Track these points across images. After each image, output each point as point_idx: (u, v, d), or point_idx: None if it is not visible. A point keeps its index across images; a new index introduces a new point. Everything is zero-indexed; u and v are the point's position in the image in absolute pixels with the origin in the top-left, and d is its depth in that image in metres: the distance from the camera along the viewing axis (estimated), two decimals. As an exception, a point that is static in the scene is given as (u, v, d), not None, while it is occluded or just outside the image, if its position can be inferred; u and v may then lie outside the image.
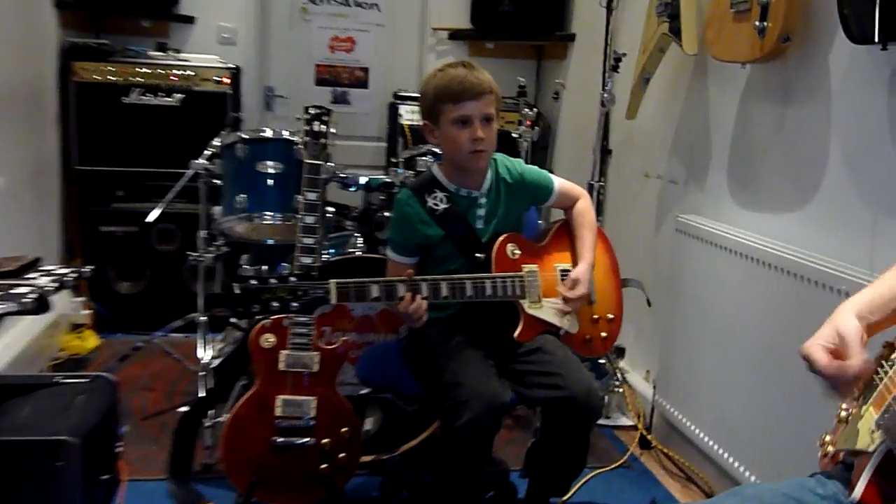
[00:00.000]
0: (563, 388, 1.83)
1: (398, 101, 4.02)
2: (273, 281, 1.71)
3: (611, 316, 2.12)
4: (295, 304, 1.74)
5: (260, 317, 1.87)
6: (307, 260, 2.03)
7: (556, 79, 3.94)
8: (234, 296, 1.69)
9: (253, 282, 1.70)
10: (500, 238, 1.98)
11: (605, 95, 2.95)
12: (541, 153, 4.15)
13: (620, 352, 3.06)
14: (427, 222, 1.97)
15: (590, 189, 2.99)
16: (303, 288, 1.74)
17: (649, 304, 2.84)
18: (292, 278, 1.73)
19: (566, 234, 2.14)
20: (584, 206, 2.14)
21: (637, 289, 2.83)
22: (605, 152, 3.42)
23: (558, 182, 2.12)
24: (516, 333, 1.92)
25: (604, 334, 2.09)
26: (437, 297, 1.84)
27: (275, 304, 1.71)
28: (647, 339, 3.11)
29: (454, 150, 1.93)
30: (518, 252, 1.99)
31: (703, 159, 2.74)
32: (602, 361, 2.98)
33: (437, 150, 2.70)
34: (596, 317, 2.10)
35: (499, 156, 2.07)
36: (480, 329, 1.99)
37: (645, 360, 3.14)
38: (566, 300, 1.98)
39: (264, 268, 1.71)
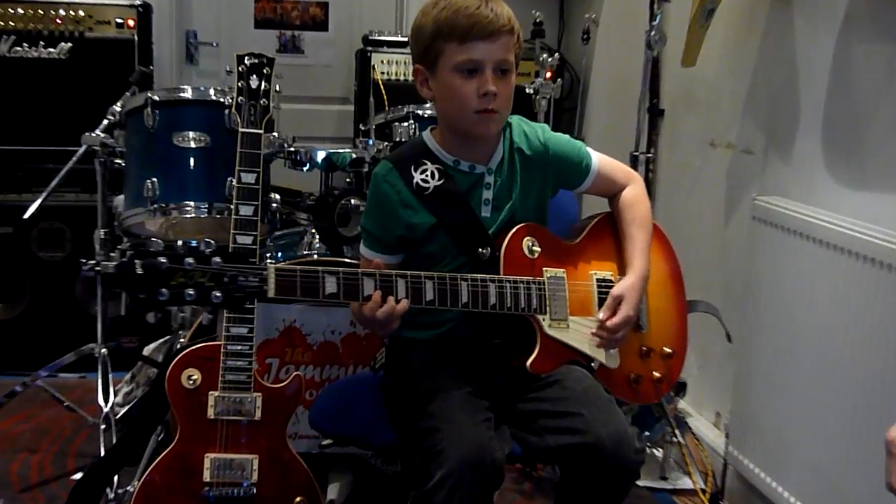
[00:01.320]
0: (582, 432, 1.82)
1: (369, 49, 4.02)
2: (190, 260, 1.68)
3: (668, 350, 2.10)
4: (218, 295, 1.70)
5: (169, 308, 1.81)
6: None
7: (586, 13, 3.93)
8: (134, 276, 1.66)
9: (162, 259, 1.67)
10: (515, 229, 1.96)
11: (653, 34, 2.95)
12: (566, 116, 4.18)
13: (680, 387, 3.06)
14: (413, 206, 1.96)
15: (633, 163, 2.98)
16: (230, 272, 1.71)
17: (729, 338, 2.82)
18: (217, 258, 1.70)
19: (609, 232, 2.12)
20: (636, 194, 2.13)
21: (709, 314, 2.82)
22: (654, 113, 3.43)
23: (598, 158, 2.11)
24: (529, 361, 1.91)
25: (657, 374, 2.07)
26: (418, 300, 1.83)
27: (190, 291, 1.68)
28: (716, 369, 3.10)
29: (455, 107, 1.93)
30: (538, 250, 1.97)
31: (789, 120, 2.74)
32: (654, 401, 2.98)
33: (421, 114, 2.71)
34: (647, 349, 2.08)
35: (515, 118, 2.07)
36: (479, 355, 1.99)
37: (714, 397, 3.13)
38: (603, 326, 1.97)
39: (179, 243, 1.68)
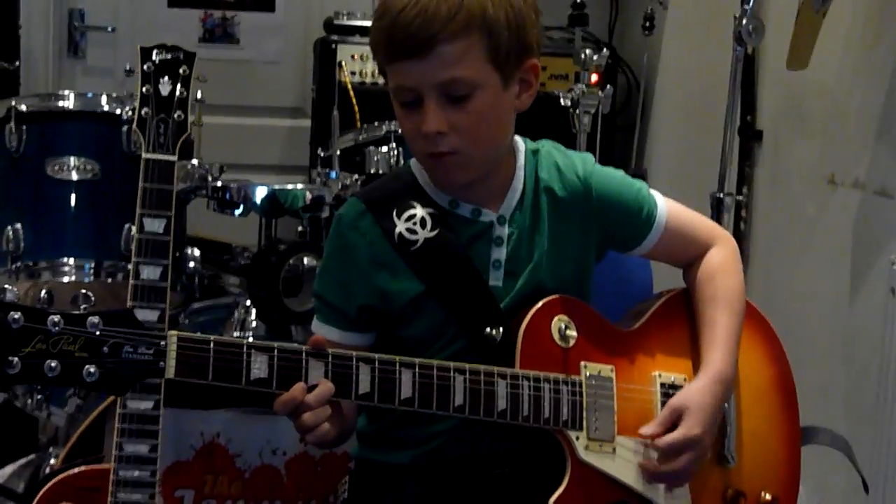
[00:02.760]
0: None
1: (335, 38, 4.07)
2: (56, 318, 1.64)
3: (769, 497, 2.08)
4: (92, 371, 1.66)
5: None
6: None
7: (650, -8, 3.93)
8: None
9: (16, 315, 1.63)
10: (542, 303, 1.95)
11: (747, 23, 2.90)
12: (620, 138, 4.20)
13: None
14: (391, 266, 1.95)
15: (717, 208, 2.91)
16: (113, 339, 1.67)
17: (866, 487, 2.74)
18: (94, 318, 1.66)
19: (685, 317, 2.12)
20: (723, 261, 2.12)
21: (831, 448, 2.74)
22: (748, 136, 3.41)
23: (667, 206, 2.10)
24: (553, 501, 1.86)
25: None
26: (388, 397, 1.80)
27: (52, 363, 1.64)
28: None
29: (409, 144, 1.96)
30: (574, 335, 1.95)
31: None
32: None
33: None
34: (735, 492, 2.07)
35: (546, 144, 2.07)
36: (481, 490, 1.96)
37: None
38: (655, 447, 1.94)
39: (43, 293, 1.62)
